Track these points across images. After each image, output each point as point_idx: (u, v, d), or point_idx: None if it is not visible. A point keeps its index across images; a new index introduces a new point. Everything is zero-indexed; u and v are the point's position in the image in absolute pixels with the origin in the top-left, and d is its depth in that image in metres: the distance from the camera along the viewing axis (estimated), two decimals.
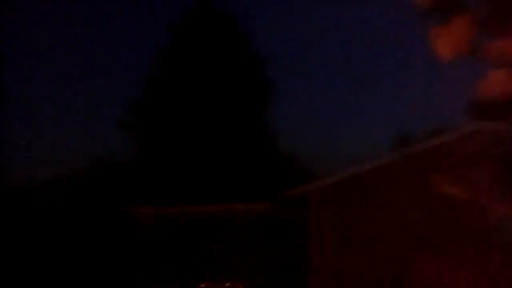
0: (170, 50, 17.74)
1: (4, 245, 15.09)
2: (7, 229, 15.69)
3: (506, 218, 10.92)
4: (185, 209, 16.13)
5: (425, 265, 10.62)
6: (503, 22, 9.90)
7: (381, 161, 11.58)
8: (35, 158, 17.94)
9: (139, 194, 16.38)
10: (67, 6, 18.65)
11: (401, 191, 11.02)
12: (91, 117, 18.09)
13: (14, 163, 17.93)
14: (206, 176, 16.29)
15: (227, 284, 12.14)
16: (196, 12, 18.07)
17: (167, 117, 17.07)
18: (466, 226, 10.70)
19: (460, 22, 10.39)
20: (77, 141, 18.43)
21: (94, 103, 18.25)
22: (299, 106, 17.91)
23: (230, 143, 16.54)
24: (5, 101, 17.57)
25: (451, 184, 11.01)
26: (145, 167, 16.81)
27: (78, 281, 14.30)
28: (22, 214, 16.31)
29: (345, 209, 12.91)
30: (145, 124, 17.55)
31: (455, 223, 10.71)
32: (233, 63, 17.55)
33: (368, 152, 14.92)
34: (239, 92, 17.13)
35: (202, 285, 12.38)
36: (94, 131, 17.97)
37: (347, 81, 17.75)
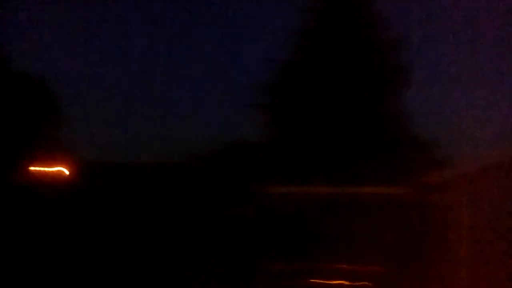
0: (306, 31, 17.61)
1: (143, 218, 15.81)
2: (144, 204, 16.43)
3: None
4: (316, 190, 16.19)
5: None
6: None
7: None
8: (172, 137, 18.58)
9: (271, 174, 16.57)
10: None
11: None
12: (226, 99, 18.45)
13: (152, 141, 18.66)
14: (340, 159, 16.19)
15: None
16: None
17: (301, 99, 17.04)
18: None
19: None
20: (212, 122, 18.88)
21: (230, 84, 18.54)
22: (436, 89, 17.31)
23: (365, 127, 16.30)
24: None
25: None
26: (277, 148, 16.94)
27: (207, 256, 14.58)
28: (158, 191, 16.96)
29: (486, 198, 12.48)
30: (278, 106, 17.62)
31: None
32: (369, 45, 17.22)
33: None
34: (375, 74, 16.80)
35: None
36: (228, 113, 18.27)
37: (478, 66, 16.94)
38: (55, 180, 17.43)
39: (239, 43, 19.07)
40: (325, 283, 13.87)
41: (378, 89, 17.23)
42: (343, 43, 17.38)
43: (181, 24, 19.85)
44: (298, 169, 16.56)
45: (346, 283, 13.85)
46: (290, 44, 17.61)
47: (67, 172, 17.98)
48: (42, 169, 17.72)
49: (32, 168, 17.31)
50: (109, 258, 14.56)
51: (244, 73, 18.48)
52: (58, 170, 17.98)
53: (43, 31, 18.93)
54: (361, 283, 13.99)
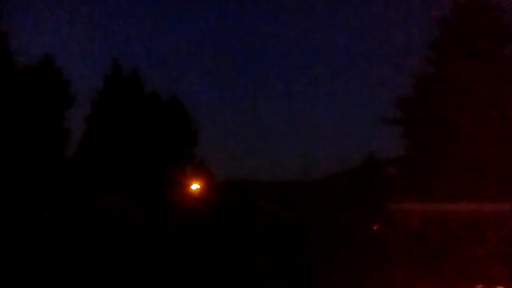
0: (441, 44, 17.55)
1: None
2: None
3: None
4: (450, 207, 16.08)
5: None
6: None
7: None
8: (309, 154, 19.26)
9: (405, 190, 16.67)
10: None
11: None
12: (361, 114, 18.92)
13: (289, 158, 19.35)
14: (476, 174, 16.05)
15: None
16: (464, 4, 17.66)
17: (437, 113, 16.98)
18: None
19: None
20: (349, 138, 19.45)
21: (363, 100, 19.02)
22: None
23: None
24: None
25: None
26: (413, 163, 17.02)
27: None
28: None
29: None
30: (413, 120, 17.69)
31: None
32: (497, 56, 17.02)
33: None
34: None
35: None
36: (364, 128, 18.72)
37: None
38: (195, 198, 18.39)
39: (375, 58, 19.22)
40: None
41: None
42: (475, 55, 17.20)
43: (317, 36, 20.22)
44: (434, 185, 16.53)
45: None
46: (425, 57, 17.64)
47: (204, 190, 18.95)
48: (183, 188, 18.80)
49: (178, 187, 18.39)
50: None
51: (380, 87, 18.64)
52: (197, 189, 18.99)
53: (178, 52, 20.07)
54: None
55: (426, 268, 12.84)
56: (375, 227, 16.19)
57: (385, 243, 15.31)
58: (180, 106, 21.93)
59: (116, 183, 17.92)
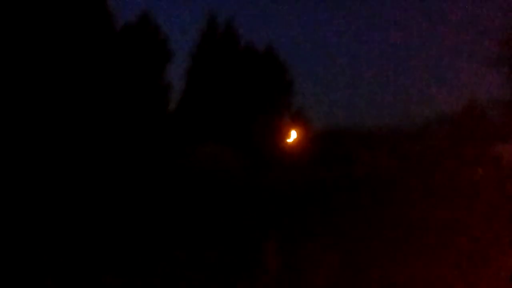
0: None
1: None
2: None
3: None
4: None
5: None
6: None
7: None
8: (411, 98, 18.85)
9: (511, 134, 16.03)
10: None
11: None
12: (464, 57, 18.16)
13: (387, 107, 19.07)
14: None
15: None
16: None
17: None
18: None
19: None
20: (452, 82, 18.83)
21: (465, 41, 18.22)
22: None
23: None
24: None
25: None
26: None
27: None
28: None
29: None
30: None
31: None
32: None
33: None
34: None
35: None
36: (466, 71, 17.97)
37: None
38: (293, 148, 18.56)
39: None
40: None
41: None
42: None
43: None
44: None
45: None
46: None
47: (302, 139, 19.05)
48: (281, 137, 19.02)
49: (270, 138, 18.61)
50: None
51: (483, 28, 17.59)
52: (295, 138, 19.15)
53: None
54: None
55: None
56: (479, 172, 15.80)
57: (490, 188, 14.94)
58: (275, 57, 22.19)
59: (217, 133, 18.53)
